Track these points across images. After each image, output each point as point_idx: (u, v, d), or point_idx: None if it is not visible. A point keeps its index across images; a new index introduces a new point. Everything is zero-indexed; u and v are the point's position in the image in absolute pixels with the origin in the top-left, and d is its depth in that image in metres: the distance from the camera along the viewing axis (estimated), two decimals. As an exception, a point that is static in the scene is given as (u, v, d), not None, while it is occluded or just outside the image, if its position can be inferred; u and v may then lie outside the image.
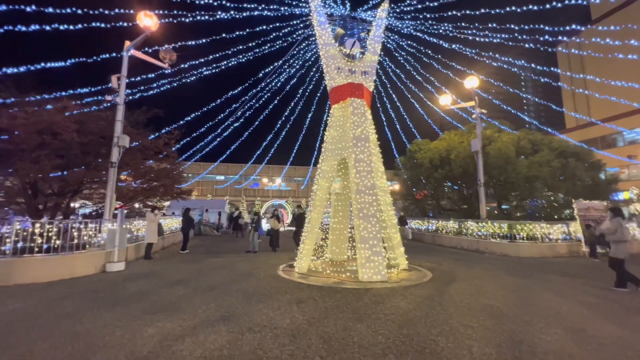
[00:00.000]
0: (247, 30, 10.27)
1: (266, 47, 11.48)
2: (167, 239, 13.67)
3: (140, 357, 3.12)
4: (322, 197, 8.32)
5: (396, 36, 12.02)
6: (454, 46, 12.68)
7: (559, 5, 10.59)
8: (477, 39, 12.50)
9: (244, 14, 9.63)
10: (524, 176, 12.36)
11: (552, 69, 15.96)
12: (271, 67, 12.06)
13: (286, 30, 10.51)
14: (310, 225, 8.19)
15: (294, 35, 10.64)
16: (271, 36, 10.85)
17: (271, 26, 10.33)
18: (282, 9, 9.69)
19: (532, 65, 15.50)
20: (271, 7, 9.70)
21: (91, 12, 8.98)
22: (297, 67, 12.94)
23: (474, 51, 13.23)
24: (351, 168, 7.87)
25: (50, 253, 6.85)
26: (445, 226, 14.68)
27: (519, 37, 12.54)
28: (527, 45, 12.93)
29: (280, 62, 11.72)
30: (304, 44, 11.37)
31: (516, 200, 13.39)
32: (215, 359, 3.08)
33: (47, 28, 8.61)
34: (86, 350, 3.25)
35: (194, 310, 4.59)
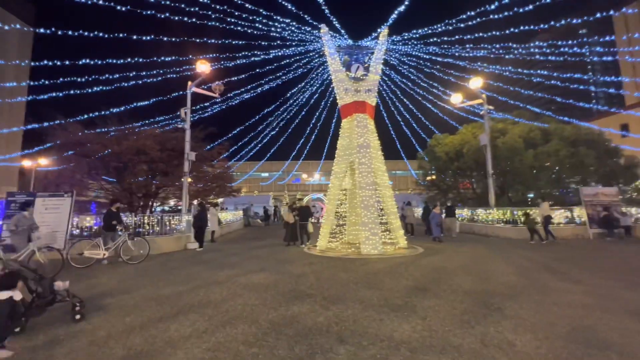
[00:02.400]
0: (275, 64, 13.07)
1: (291, 73, 14.19)
2: (224, 228, 17.21)
3: (219, 282, 5.97)
4: (335, 193, 10.78)
5: (421, 44, 13.56)
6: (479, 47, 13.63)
7: None
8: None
9: (273, 53, 12.38)
10: (529, 166, 13.38)
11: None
12: (297, 87, 14.76)
13: (306, 60, 13.04)
14: (326, 214, 10.73)
15: (313, 62, 13.13)
16: (295, 65, 13.50)
17: (294, 59, 12.96)
18: (302, 44, 12.23)
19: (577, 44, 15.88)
20: (293, 43, 12.29)
21: (164, 58, 12.43)
22: (318, 84, 15.41)
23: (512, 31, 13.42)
24: (356, 169, 10.21)
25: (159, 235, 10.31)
26: (459, 213, 16.13)
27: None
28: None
29: (304, 83, 14.34)
30: (320, 68, 13.80)
31: (522, 189, 14.34)
32: (256, 285, 5.79)
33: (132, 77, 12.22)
34: (190, 279, 6.21)
35: (245, 267, 7.44)
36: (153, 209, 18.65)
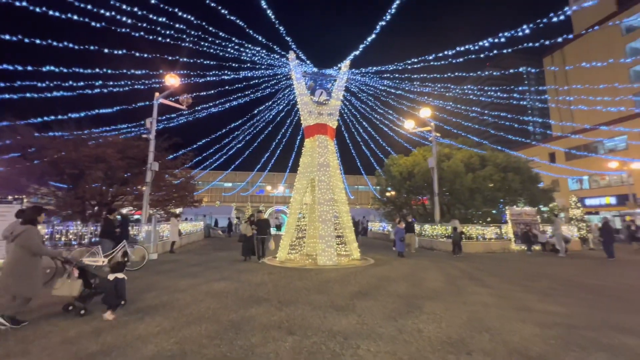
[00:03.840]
0: (244, 84, 13.77)
1: (259, 92, 14.95)
2: (184, 239, 17.04)
3: (181, 290, 6.36)
4: (295, 207, 11.54)
5: (378, 78, 15.10)
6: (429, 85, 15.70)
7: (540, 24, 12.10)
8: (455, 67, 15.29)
9: (242, 74, 13.09)
10: (468, 188, 15.33)
11: (520, 87, 18.84)
12: (264, 105, 15.54)
13: (274, 81, 13.93)
14: (287, 227, 11.41)
15: (281, 84, 14.05)
16: (263, 85, 14.31)
17: (262, 80, 13.79)
18: (272, 68, 13.11)
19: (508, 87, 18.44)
20: (263, 67, 13.12)
21: (132, 72, 12.50)
22: (285, 103, 16.32)
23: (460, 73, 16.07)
24: (315, 186, 11.09)
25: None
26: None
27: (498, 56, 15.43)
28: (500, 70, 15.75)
29: (271, 102, 15.16)
30: (287, 90, 14.74)
31: (461, 208, 16.30)
32: (218, 292, 6.28)
33: (99, 85, 12.14)
34: (151, 288, 6.51)
35: (206, 276, 7.83)
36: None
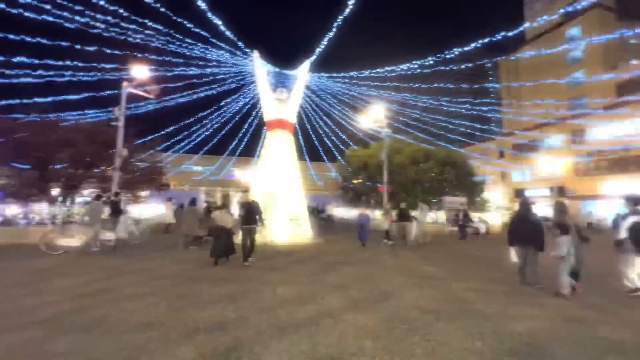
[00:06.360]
0: (211, 78, 14.75)
1: (225, 86, 16.02)
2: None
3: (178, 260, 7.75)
4: (257, 193, 13.05)
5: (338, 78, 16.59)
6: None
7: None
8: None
9: (210, 69, 14.07)
10: (411, 180, 17.64)
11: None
12: (230, 98, 16.65)
13: (239, 77, 15.09)
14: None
15: (246, 79, 15.27)
16: (229, 80, 15.42)
17: (228, 76, 14.86)
18: (238, 65, 14.25)
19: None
20: (229, 64, 14.19)
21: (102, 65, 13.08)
22: (250, 97, 17.50)
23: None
24: (273, 175, 12.65)
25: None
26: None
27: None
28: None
29: (236, 95, 16.32)
30: (252, 85, 15.96)
31: (404, 196, 18.67)
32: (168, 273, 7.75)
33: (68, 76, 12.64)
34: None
35: (165, 258, 9.24)
36: (74, 201, 18.33)
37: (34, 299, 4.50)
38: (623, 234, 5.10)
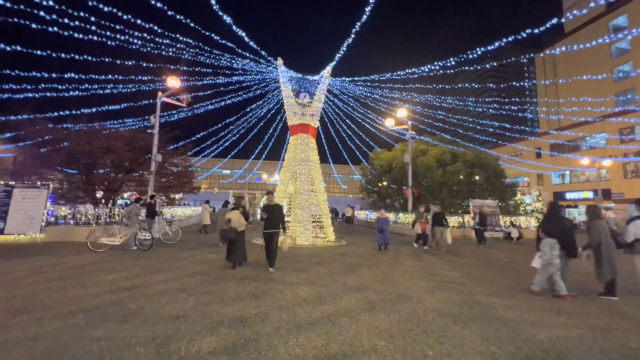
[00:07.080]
0: (237, 85, 15.46)
1: (251, 93, 16.67)
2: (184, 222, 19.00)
3: (182, 258, 8.28)
4: (280, 196, 13.43)
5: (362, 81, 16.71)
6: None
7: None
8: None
9: (237, 77, 14.76)
10: (437, 182, 17.20)
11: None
12: (255, 104, 17.28)
13: (264, 84, 15.69)
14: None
15: (270, 85, 15.84)
16: (254, 88, 16.08)
17: (253, 83, 15.51)
18: (262, 72, 14.82)
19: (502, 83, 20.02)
20: (256, 71, 14.81)
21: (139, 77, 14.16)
22: (275, 102, 18.07)
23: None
24: (296, 178, 12.95)
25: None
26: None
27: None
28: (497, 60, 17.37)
29: (261, 101, 16.91)
30: (276, 91, 16.47)
31: (430, 200, 18.21)
32: (207, 265, 8.21)
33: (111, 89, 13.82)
34: (160, 256, 8.44)
35: (201, 251, 9.78)
36: (115, 202, 19.86)
37: (79, 291, 5.03)
38: (631, 237, 5.17)
